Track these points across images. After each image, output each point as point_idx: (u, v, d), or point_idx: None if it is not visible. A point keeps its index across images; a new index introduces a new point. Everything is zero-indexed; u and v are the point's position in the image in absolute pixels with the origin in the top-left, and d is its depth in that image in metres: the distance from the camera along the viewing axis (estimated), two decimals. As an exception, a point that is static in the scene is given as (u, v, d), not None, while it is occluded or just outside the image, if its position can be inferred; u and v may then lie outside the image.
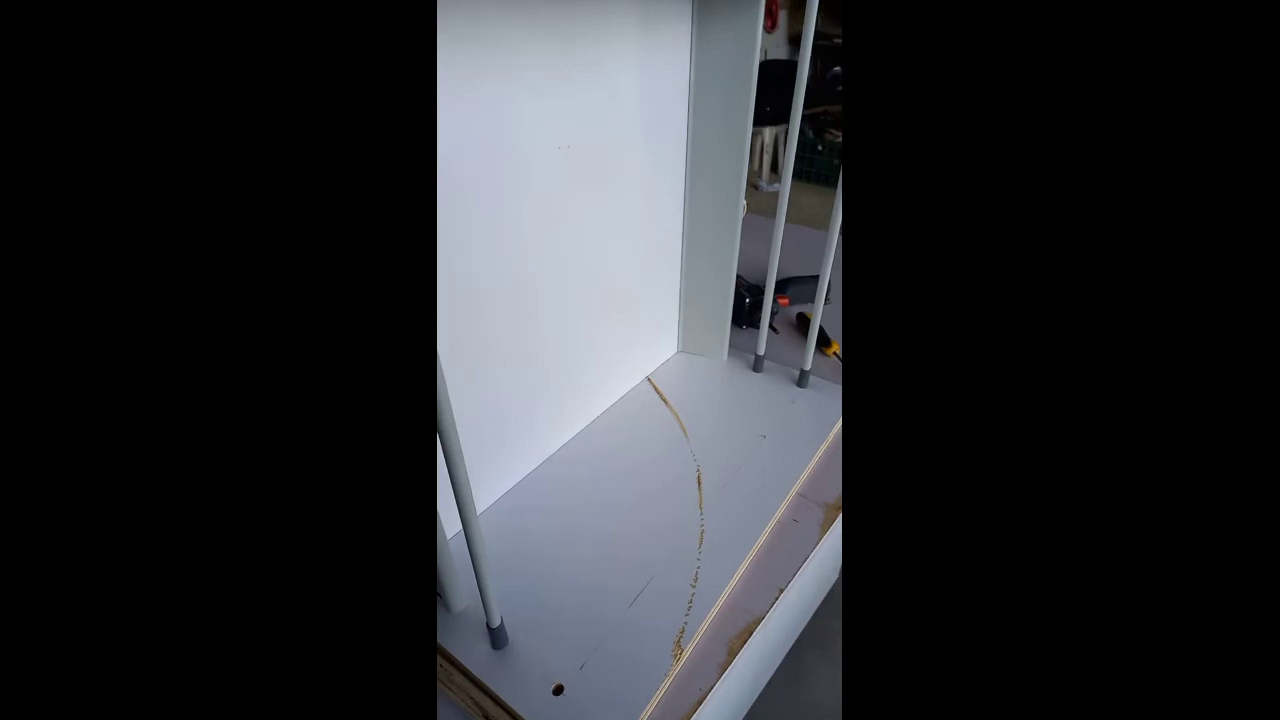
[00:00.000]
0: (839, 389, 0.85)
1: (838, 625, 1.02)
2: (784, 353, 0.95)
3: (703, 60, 0.70)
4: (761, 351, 0.87)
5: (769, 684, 0.82)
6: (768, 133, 2.88)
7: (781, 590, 0.60)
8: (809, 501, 0.70)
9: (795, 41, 3.22)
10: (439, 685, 0.53)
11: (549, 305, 0.66)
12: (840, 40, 2.96)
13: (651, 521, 0.65)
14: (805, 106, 0.68)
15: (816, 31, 0.63)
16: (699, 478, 0.71)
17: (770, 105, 2.60)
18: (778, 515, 0.67)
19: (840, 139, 2.79)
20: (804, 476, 0.72)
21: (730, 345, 0.91)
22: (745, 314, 1.01)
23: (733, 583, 0.59)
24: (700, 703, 0.51)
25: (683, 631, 0.54)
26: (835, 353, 0.97)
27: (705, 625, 0.56)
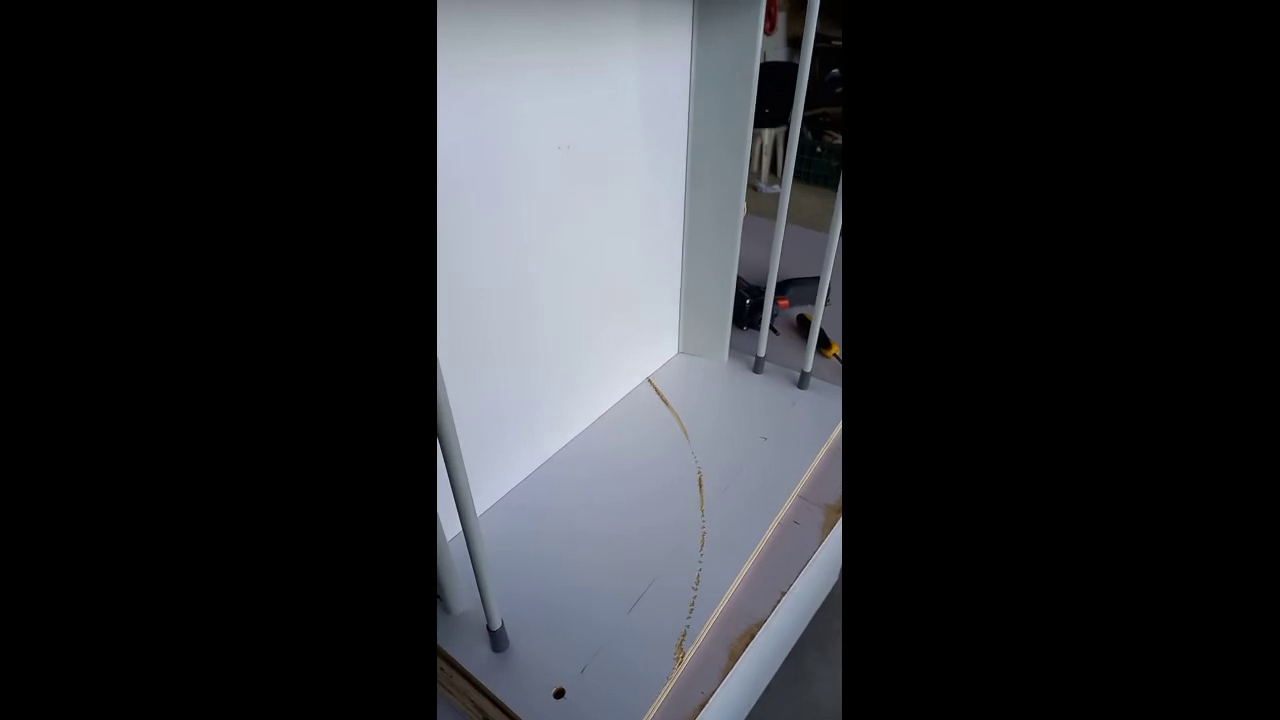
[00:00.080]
0: (839, 390, 0.85)
1: (838, 626, 1.01)
2: (784, 354, 0.95)
3: (703, 61, 0.70)
4: (762, 353, 0.87)
5: (769, 686, 0.82)
6: (766, 134, 2.88)
7: (783, 593, 0.59)
8: (810, 503, 0.69)
9: (794, 43, 3.22)
10: (439, 688, 0.53)
11: (549, 306, 0.66)
12: (839, 42, 2.97)
13: (653, 523, 0.65)
14: (804, 108, 0.68)
15: (816, 34, 0.63)
16: (700, 479, 0.70)
17: (769, 107, 2.60)
18: (779, 517, 0.66)
19: (839, 141, 2.80)
20: (805, 478, 0.72)
21: (730, 346, 0.91)
22: (745, 315, 1.01)
23: (734, 585, 0.59)
24: (702, 706, 0.50)
25: (684, 634, 0.54)
26: (835, 354, 0.97)
27: (707, 628, 0.55)
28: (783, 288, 1.06)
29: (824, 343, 0.96)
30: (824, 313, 0.78)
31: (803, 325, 1.04)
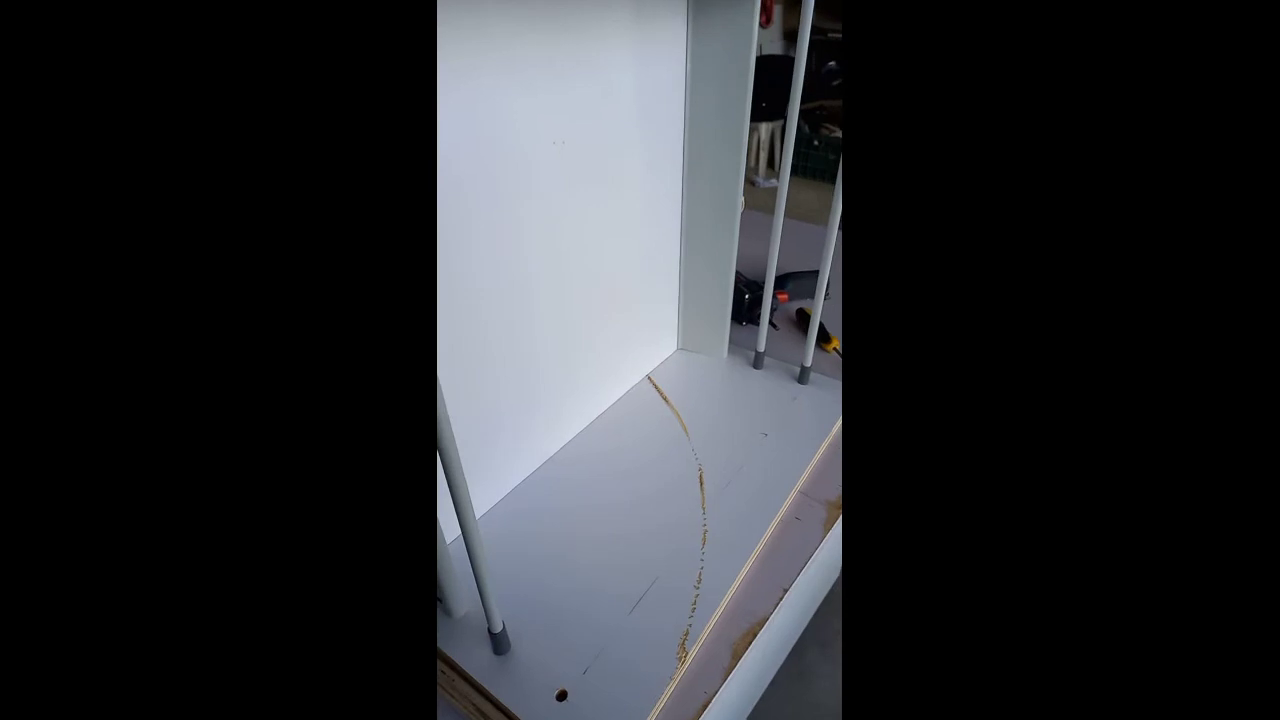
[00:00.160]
0: (840, 385, 0.85)
1: (840, 624, 1.01)
2: (784, 349, 0.95)
3: (699, 55, 0.69)
4: (762, 348, 0.86)
5: (771, 684, 0.82)
6: (763, 128, 2.87)
7: (785, 590, 0.59)
8: (811, 499, 0.69)
9: (790, 37, 3.21)
10: (441, 691, 0.52)
11: (547, 305, 0.65)
12: (835, 35, 2.96)
13: (654, 522, 0.64)
14: (801, 102, 0.67)
15: (812, 26, 0.62)
16: (701, 477, 0.70)
17: (765, 101, 2.59)
18: (780, 514, 0.66)
19: (836, 134, 2.79)
20: (806, 474, 0.71)
21: (730, 342, 0.90)
22: (744, 310, 1.00)
23: (736, 583, 0.59)
24: (705, 706, 0.50)
25: (686, 634, 0.54)
26: (835, 349, 0.96)
27: (709, 627, 0.55)
28: (781, 282, 1.06)
29: (824, 337, 0.96)
30: (823, 306, 0.78)
31: (802, 319, 1.04)
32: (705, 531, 0.63)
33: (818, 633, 0.93)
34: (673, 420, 0.79)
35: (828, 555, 0.70)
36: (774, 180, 2.92)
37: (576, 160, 0.62)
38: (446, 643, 0.54)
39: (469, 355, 0.58)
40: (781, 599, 0.58)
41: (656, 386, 0.86)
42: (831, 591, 0.96)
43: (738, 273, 0.84)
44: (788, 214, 0.77)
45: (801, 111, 0.69)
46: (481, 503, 0.65)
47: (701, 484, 0.69)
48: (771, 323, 0.96)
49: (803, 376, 0.84)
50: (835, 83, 2.96)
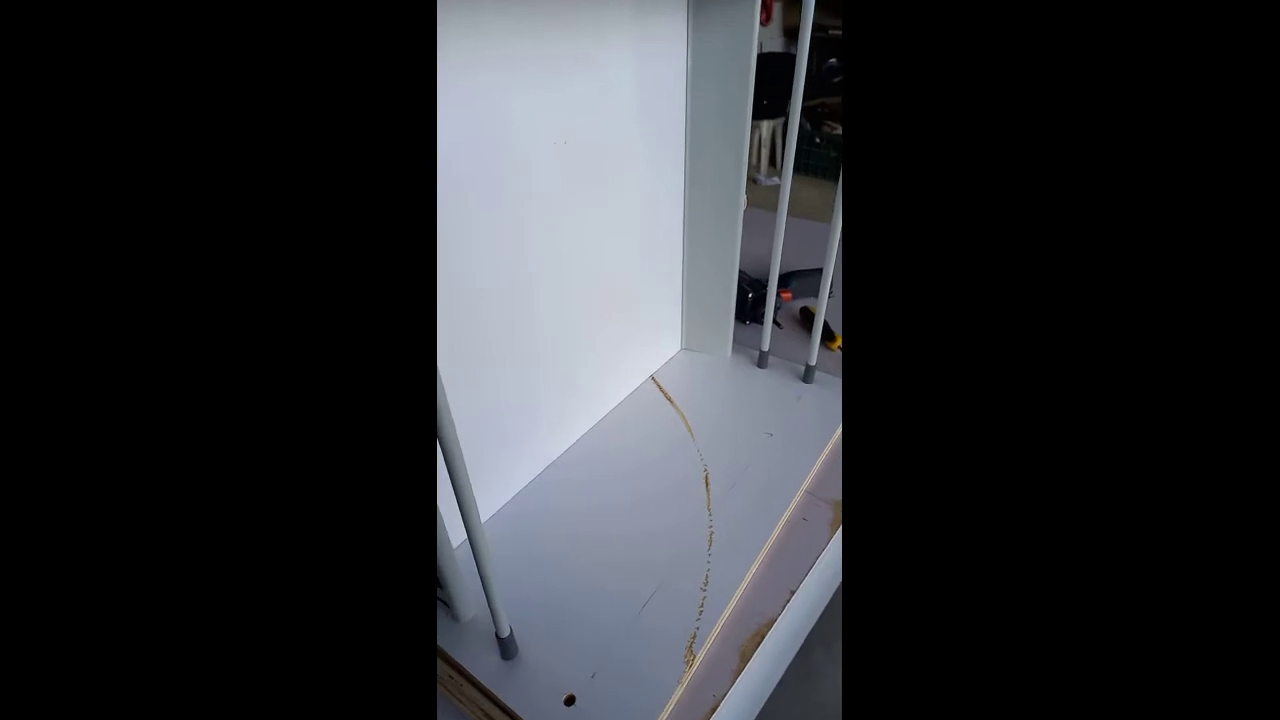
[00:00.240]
0: (845, 384, 0.84)
1: (848, 622, 1.01)
2: (788, 348, 0.94)
3: (700, 53, 0.69)
4: (766, 347, 0.86)
5: (778, 684, 0.81)
6: (765, 126, 2.87)
7: (793, 592, 0.59)
8: (817, 499, 0.69)
9: (790, 34, 3.20)
10: (449, 697, 0.52)
11: (549, 306, 0.65)
12: (835, 32, 2.95)
13: (660, 524, 0.64)
14: (802, 99, 0.66)
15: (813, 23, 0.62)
16: (706, 478, 0.70)
17: (766, 98, 2.59)
18: (787, 514, 0.66)
19: (837, 131, 2.78)
20: (812, 474, 0.71)
21: (734, 341, 0.90)
22: (748, 309, 1.00)
23: (743, 585, 0.58)
24: (714, 709, 0.50)
25: (694, 637, 0.53)
26: (840, 347, 0.96)
27: (717, 630, 0.55)
28: (785, 280, 1.05)
29: (828, 335, 0.95)
30: (828, 305, 0.77)
31: (806, 318, 1.03)
32: (711, 533, 0.63)
33: (823, 632, 0.92)
34: (677, 421, 0.79)
35: (835, 556, 0.69)
36: (775, 178, 2.91)
37: (577, 159, 0.61)
38: (454, 648, 0.53)
39: (471, 357, 0.57)
40: (789, 601, 0.58)
41: (660, 387, 0.85)
42: (837, 591, 0.96)
43: (741, 271, 0.84)
44: (789, 211, 0.76)
45: (803, 109, 0.68)
46: (487, 506, 0.65)
47: (707, 485, 0.69)
48: (775, 321, 0.96)
49: (808, 375, 0.84)
50: (836, 80, 2.95)
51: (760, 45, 0.72)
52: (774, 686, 0.80)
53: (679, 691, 0.50)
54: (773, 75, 1.74)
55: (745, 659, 0.53)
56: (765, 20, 3.05)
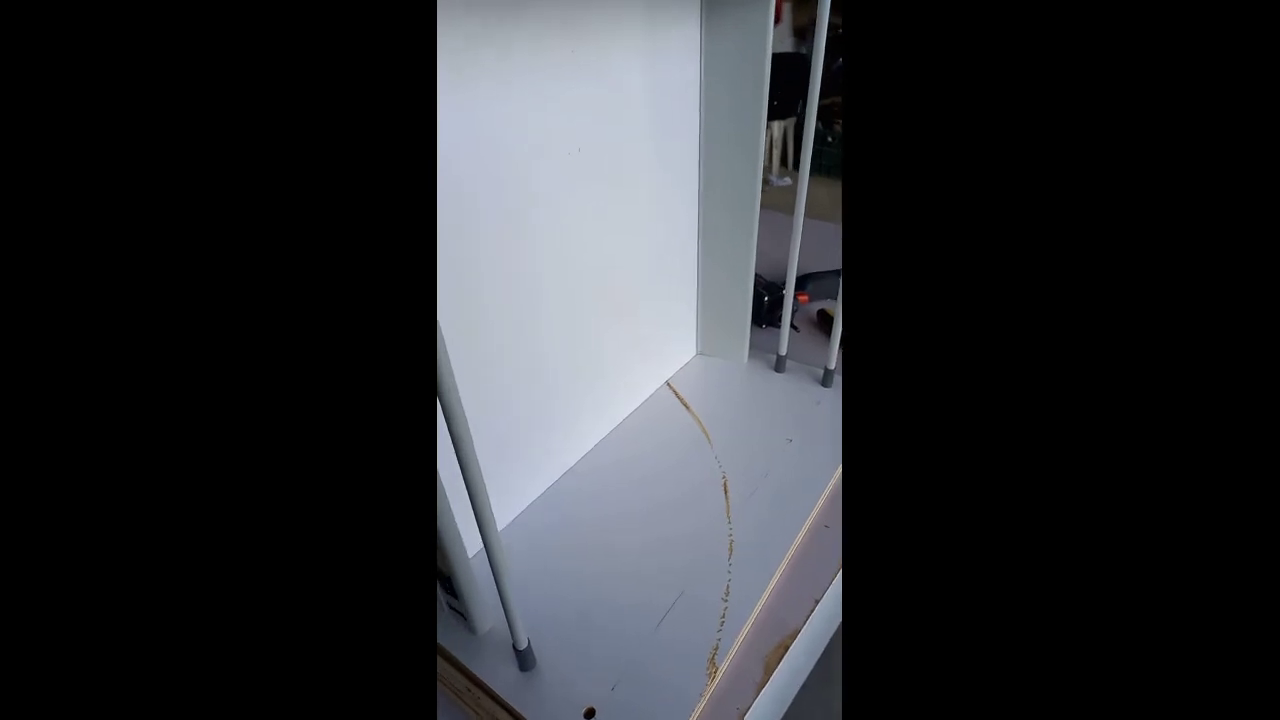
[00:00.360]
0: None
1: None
2: (806, 352, 0.93)
3: (713, 55, 0.68)
4: (783, 351, 0.85)
5: (803, 690, 0.80)
6: (775, 126, 2.85)
7: (817, 601, 0.57)
8: (840, 506, 0.67)
9: (800, 34, 3.19)
10: (467, 709, 0.51)
11: (562, 312, 0.64)
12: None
13: (679, 532, 0.63)
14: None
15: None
16: (725, 485, 0.68)
17: (776, 99, 2.57)
18: (809, 522, 0.64)
19: (850, 130, 2.75)
20: (833, 480, 0.69)
21: (750, 345, 0.89)
22: (764, 313, 0.99)
23: (766, 595, 0.57)
24: (738, 723, 0.49)
25: (716, 648, 0.52)
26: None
27: (739, 641, 0.54)
28: (802, 282, 1.04)
29: (846, 338, 0.94)
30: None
31: (823, 321, 1.02)
32: (731, 541, 0.62)
33: (840, 632, 0.90)
34: (694, 427, 0.78)
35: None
36: (787, 179, 2.90)
37: (590, 165, 0.61)
38: (471, 660, 0.53)
39: (486, 366, 0.57)
40: (813, 610, 0.57)
41: (676, 393, 0.84)
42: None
43: (756, 274, 0.83)
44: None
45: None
46: (502, 515, 0.65)
47: (726, 492, 0.68)
48: (793, 325, 0.95)
49: (826, 379, 0.83)
50: (847, 78, 2.92)
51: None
52: (797, 690, 0.78)
53: (701, 704, 0.49)
54: (783, 75, 1.73)
55: (769, 670, 0.52)
56: (775, 20, 3.03)
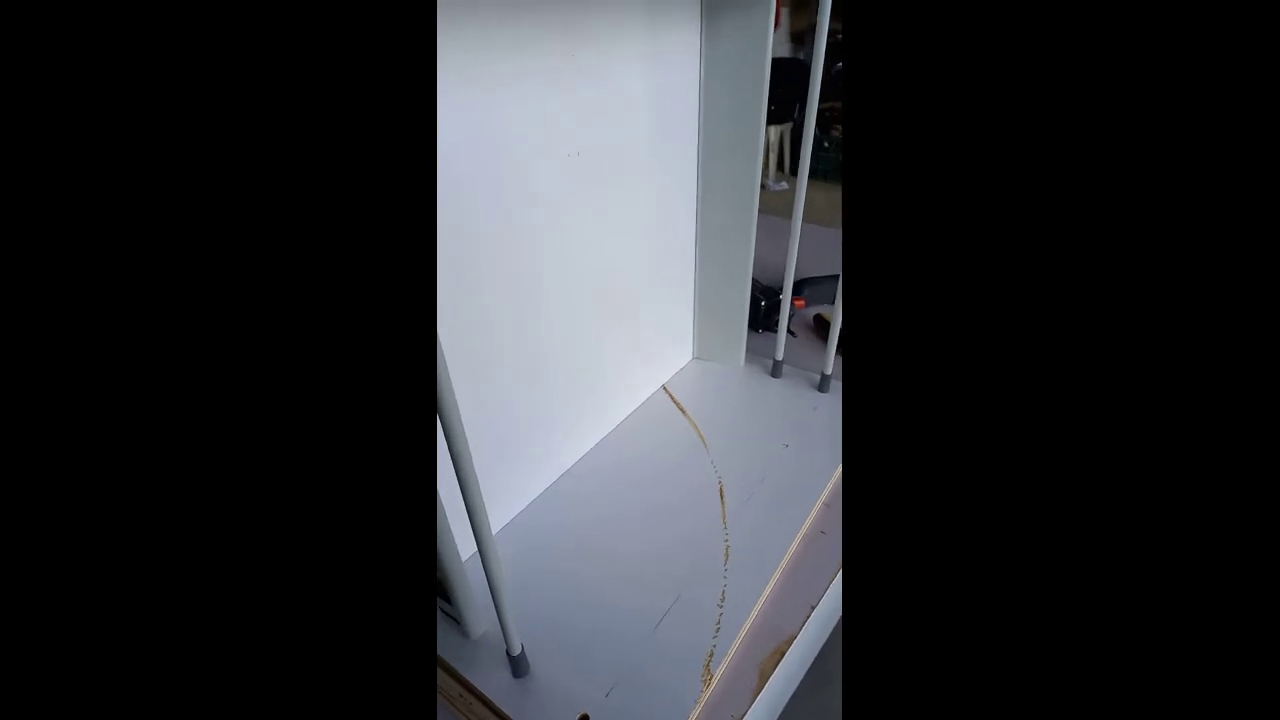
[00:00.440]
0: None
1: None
2: (803, 357, 0.93)
3: (712, 60, 0.68)
4: (780, 356, 0.85)
5: (796, 693, 0.80)
6: (772, 131, 2.86)
7: (813, 607, 0.57)
8: (836, 511, 0.67)
9: (797, 39, 3.20)
10: (459, 716, 0.51)
11: (559, 316, 0.64)
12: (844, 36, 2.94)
13: (674, 537, 0.63)
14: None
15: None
16: (721, 490, 0.68)
17: (774, 103, 2.58)
18: (805, 527, 0.64)
19: (847, 135, 2.77)
20: (830, 485, 0.69)
21: (747, 350, 0.89)
22: (760, 318, 0.99)
23: (761, 600, 0.57)
24: (733, 730, 0.48)
25: (711, 655, 0.52)
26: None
27: (735, 646, 0.53)
28: (798, 287, 1.04)
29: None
30: (842, 312, 0.76)
31: (820, 326, 1.02)
32: (727, 546, 0.62)
33: (835, 636, 0.90)
34: (690, 431, 0.77)
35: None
36: (784, 183, 2.90)
37: (589, 168, 0.60)
38: (464, 665, 0.52)
39: (481, 368, 0.57)
40: (809, 616, 0.57)
41: (673, 397, 0.84)
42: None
43: (753, 279, 0.82)
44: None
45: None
46: (497, 519, 0.64)
47: (722, 497, 0.67)
48: (789, 330, 0.95)
49: (823, 385, 0.82)
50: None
51: (772, 50, 0.71)
52: (791, 694, 0.78)
53: (697, 711, 0.49)
54: (779, 81, 1.74)
55: (765, 677, 0.52)
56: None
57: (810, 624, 0.57)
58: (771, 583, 0.59)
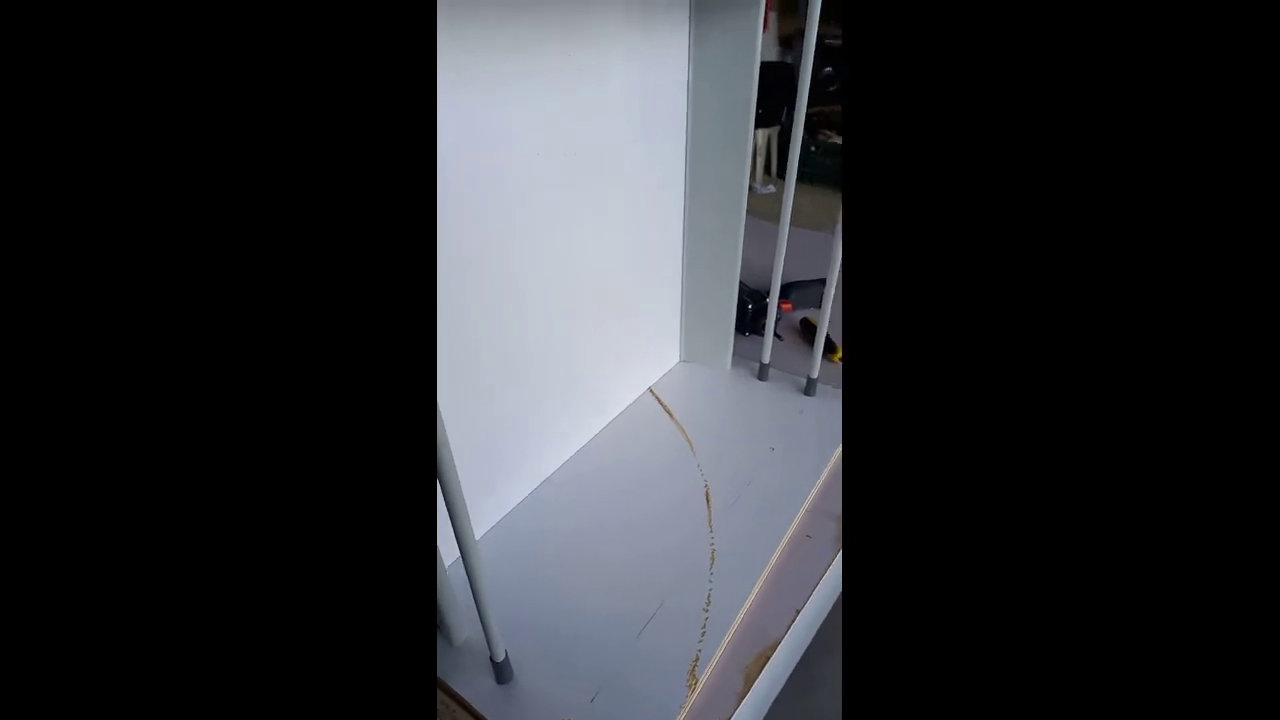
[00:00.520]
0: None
1: (839, 629, 0.99)
2: (789, 360, 0.93)
3: (701, 63, 0.68)
4: (766, 359, 0.85)
5: (779, 697, 0.80)
6: (759, 135, 2.87)
7: (798, 611, 0.57)
8: (822, 515, 0.67)
9: (785, 43, 3.21)
10: (441, 723, 0.50)
11: (546, 317, 0.63)
12: (831, 41, 2.96)
13: (660, 542, 0.62)
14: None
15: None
16: (707, 494, 0.68)
17: (761, 107, 2.59)
18: (790, 531, 0.64)
19: (832, 139, 2.78)
20: (815, 489, 0.69)
21: (733, 353, 0.88)
22: (747, 320, 0.99)
23: (746, 605, 0.57)
24: (718, 736, 0.48)
25: (696, 660, 0.52)
26: (841, 359, 0.95)
27: (720, 652, 0.53)
28: (785, 291, 1.04)
29: (830, 348, 0.94)
30: (829, 316, 0.76)
31: (806, 329, 1.02)
32: (713, 551, 0.61)
33: (823, 640, 0.90)
34: (676, 435, 0.77)
35: (838, 571, 0.68)
36: (771, 186, 2.92)
37: (577, 170, 0.60)
38: (447, 672, 0.52)
39: (466, 371, 0.56)
40: (794, 621, 0.56)
41: (659, 400, 0.84)
42: (837, 600, 0.94)
43: (740, 282, 0.82)
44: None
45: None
46: (480, 523, 0.63)
47: (708, 501, 0.67)
48: (776, 333, 0.95)
49: (809, 388, 0.83)
50: (832, 88, 2.96)
51: (760, 54, 0.71)
52: (775, 698, 0.78)
53: (681, 716, 0.48)
54: (767, 84, 1.75)
55: (749, 682, 0.52)
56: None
57: (795, 628, 0.57)
58: (757, 587, 0.58)
